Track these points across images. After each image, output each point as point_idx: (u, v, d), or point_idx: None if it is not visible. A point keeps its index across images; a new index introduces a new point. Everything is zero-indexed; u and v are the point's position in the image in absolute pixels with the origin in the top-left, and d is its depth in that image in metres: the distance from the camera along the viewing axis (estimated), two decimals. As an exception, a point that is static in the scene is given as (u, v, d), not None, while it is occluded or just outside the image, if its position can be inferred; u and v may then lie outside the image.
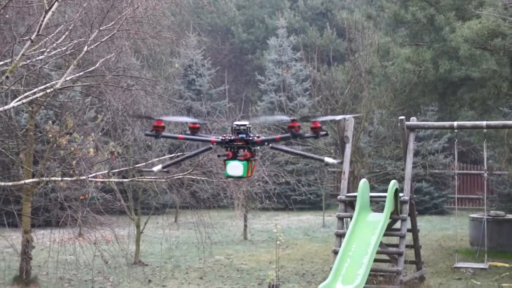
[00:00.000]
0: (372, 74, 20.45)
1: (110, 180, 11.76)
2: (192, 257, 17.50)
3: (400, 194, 14.38)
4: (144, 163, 12.15)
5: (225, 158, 5.35)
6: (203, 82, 31.95)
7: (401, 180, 15.60)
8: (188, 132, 5.57)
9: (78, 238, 13.69)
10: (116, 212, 15.90)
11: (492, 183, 27.64)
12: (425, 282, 14.58)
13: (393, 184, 14.03)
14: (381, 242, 13.77)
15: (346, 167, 15.10)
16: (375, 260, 13.76)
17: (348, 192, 15.03)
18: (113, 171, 12.08)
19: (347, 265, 13.08)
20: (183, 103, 21.28)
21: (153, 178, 11.65)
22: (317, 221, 25.13)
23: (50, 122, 14.98)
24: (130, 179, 11.96)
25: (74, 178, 10.70)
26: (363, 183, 14.25)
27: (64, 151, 13.55)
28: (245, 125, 5.25)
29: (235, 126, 5.30)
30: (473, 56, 15.61)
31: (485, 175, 15.79)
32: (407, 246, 14.39)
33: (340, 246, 13.49)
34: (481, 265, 14.23)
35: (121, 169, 12.54)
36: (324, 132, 5.23)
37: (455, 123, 14.86)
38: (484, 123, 14.63)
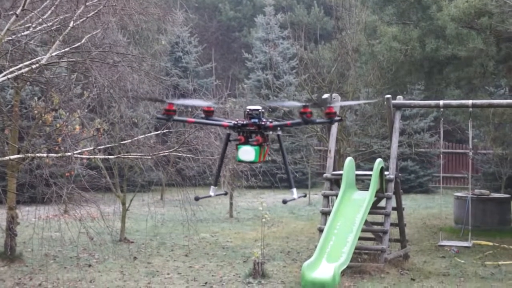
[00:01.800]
0: (359, 53, 20.45)
1: (96, 157, 11.73)
2: (177, 234, 17.53)
3: (386, 173, 14.44)
4: (130, 140, 12.12)
5: (237, 142, 5.31)
6: (190, 59, 31.88)
7: (386, 158, 15.66)
8: (203, 115, 5.52)
9: (64, 215, 13.67)
10: (101, 189, 15.85)
11: (477, 162, 27.79)
12: (409, 260, 14.67)
13: (378, 162, 14.08)
14: (366, 220, 13.84)
15: (332, 146, 15.16)
16: (360, 238, 13.83)
17: (333, 170, 15.09)
18: (99, 147, 12.05)
19: (332, 243, 13.15)
20: (169, 80, 21.13)
21: (139, 155, 11.63)
22: (302, 200, 25.17)
23: (35, 98, 14.93)
24: (115, 156, 11.93)
25: (59, 155, 10.66)
26: (348, 161, 14.29)
27: (50, 128, 13.51)
28: (258, 109, 5.21)
29: (248, 110, 5.25)
30: (459, 35, 15.63)
31: (470, 154, 15.87)
32: (392, 225, 14.48)
33: (325, 224, 13.55)
34: (465, 244, 14.33)
35: (107, 145, 12.50)
36: (339, 118, 5.19)
37: (441, 102, 14.90)
38: (469, 102, 14.69)
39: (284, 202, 5.19)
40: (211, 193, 5.34)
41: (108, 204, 17.25)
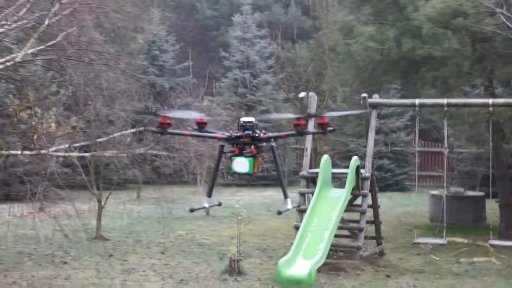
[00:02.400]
0: (336, 52, 20.52)
1: (71, 154, 11.72)
2: (154, 232, 17.50)
3: (362, 171, 14.51)
4: (105, 138, 12.11)
5: (232, 154, 5.32)
6: (167, 58, 31.81)
7: (363, 157, 15.73)
8: (195, 127, 5.53)
9: (39, 213, 13.62)
10: (77, 187, 15.82)
11: (453, 161, 27.95)
12: (385, 257, 14.76)
13: (354, 160, 14.15)
14: (342, 218, 13.90)
15: (308, 144, 15.21)
16: (336, 236, 13.89)
17: (310, 168, 15.14)
18: (75, 145, 12.02)
19: (308, 240, 13.20)
20: (146, 78, 21.14)
21: (114, 153, 11.63)
22: (279, 197, 25.07)
23: (10, 95, 14.85)
24: (91, 154, 11.92)
25: (34, 152, 10.64)
26: (325, 159, 14.35)
27: (25, 126, 13.45)
28: (251, 121, 5.23)
29: (241, 122, 5.27)
30: (435, 35, 15.71)
31: (446, 152, 15.98)
32: (367, 222, 14.55)
33: (301, 222, 13.60)
34: (440, 241, 14.42)
35: (82, 143, 12.48)
36: (331, 128, 5.23)
37: (417, 101, 15.00)
38: (445, 101, 14.79)
39: (279, 213, 5.24)
40: (205, 205, 5.38)
41: (83, 202, 17.19)
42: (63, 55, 11.64)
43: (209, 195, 5.30)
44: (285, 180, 25.85)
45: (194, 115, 5.66)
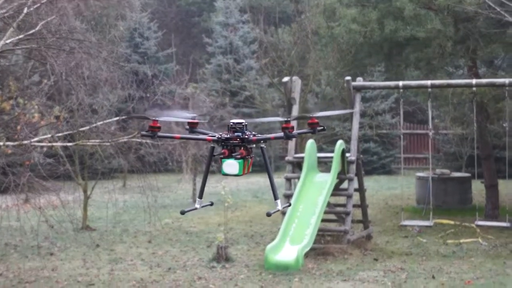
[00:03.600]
0: (319, 35, 20.41)
1: (54, 144, 11.59)
2: (140, 221, 17.43)
3: (347, 155, 14.49)
4: (88, 127, 12.00)
5: (221, 156, 5.30)
6: (149, 45, 31.64)
7: (348, 140, 15.72)
8: (187, 127, 5.49)
9: (24, 204, 13.52)
10: (62, 177, 15.71)
11: (438, 142, 28.02)
12: (372, 240, 14.77)
13: (339, 144, 14.12)
14: (328, 202, 13.90)
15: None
16: (323, 220, 13.90)
17: (295, 153, 15.11)
18: (58, 135, 11.90)
19: (295, 226, 13.20)
20: (129, 66, 20.93)
21: (98, 142, 11.52)
22: (266, 183, 25.18)
23: (-9, 86, 14.68)
24: (74, 143, 11.80)
25: (16, 143, 10.52)
26: (310, 144, 14.32)
27: (8, 116, 13.31)
28: (241, 123, 5.20)
29: (231, 124, 5.23)
30: (418, 16, 15.68)
31: (431, 134, 15.97)
32: (354, 206, 14.56)
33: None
34: (426, 223, 14.46)
35: (66, 133, 12.36)
36: (321, 127, 5.19)
37: (400, 83, 14.98)
38: (428, 82, 14.78)
39: (268, 214, 5.18)
40: (197, 206, 5.31)
41: (69, 192, 17.07)
42: (43, 44, 11.49)
43: (201, 196, 5.26)
44: (271, 166, 25.81)
45: (184, 115, 5.60)
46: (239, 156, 5.27)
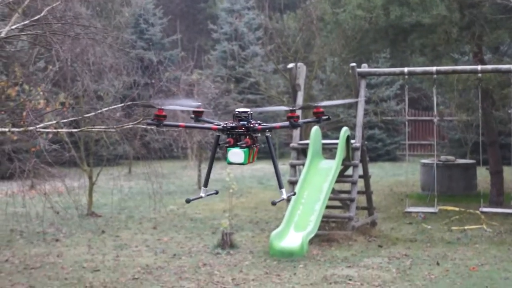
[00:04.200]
0: (324, 21, 20.37)
1: (60, 130, 11.61)
2: (145, 207, 17.45)
3: (352, 141, 14.49)
4: (94, 113, 12.00)
5: (227, 145, 5.31)
6: (154, 31, 31.62)
7: (353, 127, 15.71)
8: (192, 116, 5.51)
9: (30, 190, 13.56)
10: (67, 163, 15.76)
11: (443, 129, 28.00)
12: (377, 227, 14.79)
13: (344, 131, 14.12)
14: (333, 189, 13.91)
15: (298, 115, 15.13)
16: (327, 207, 13.91)
17: (300, 140, 15.11)
18: (63, 121, 11.91)
19: (300, 212, 13.21)
20: (134, 52, 20.94)
21: (103, 128, 11.53)
22: (270, 170, 25.16)
23: (-3, 72, 14.72)
24: (79, 129, 11.81)
25: (22, 129, 10.54)
26: (315, 130, 14.31)
27: (14, 103, 13.32)
28: (246, 112, 5.21)
29: (236, 113, 5.24)
30: (423, 1, 15.62)
31: (436, 121, 15.95)
32: (359, 192, 14.57)
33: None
34: (431, 209, 14.45)
35: (71, 119, 12.37)
36: (326, 117, 5.20)
37: (406, 69, 14.95)
38: (434, 68, 14.74)
39: (273, 203, 5.20)
40: (202, 194, 5.33)
41: (74, 178, 17.12)
42: (48, 30, 11.48)
43: (206, 185, 5.28)
44: (276, 153, 25.83)
45: (190, 104, 5.62)
46: (244, 145, 5.28)
